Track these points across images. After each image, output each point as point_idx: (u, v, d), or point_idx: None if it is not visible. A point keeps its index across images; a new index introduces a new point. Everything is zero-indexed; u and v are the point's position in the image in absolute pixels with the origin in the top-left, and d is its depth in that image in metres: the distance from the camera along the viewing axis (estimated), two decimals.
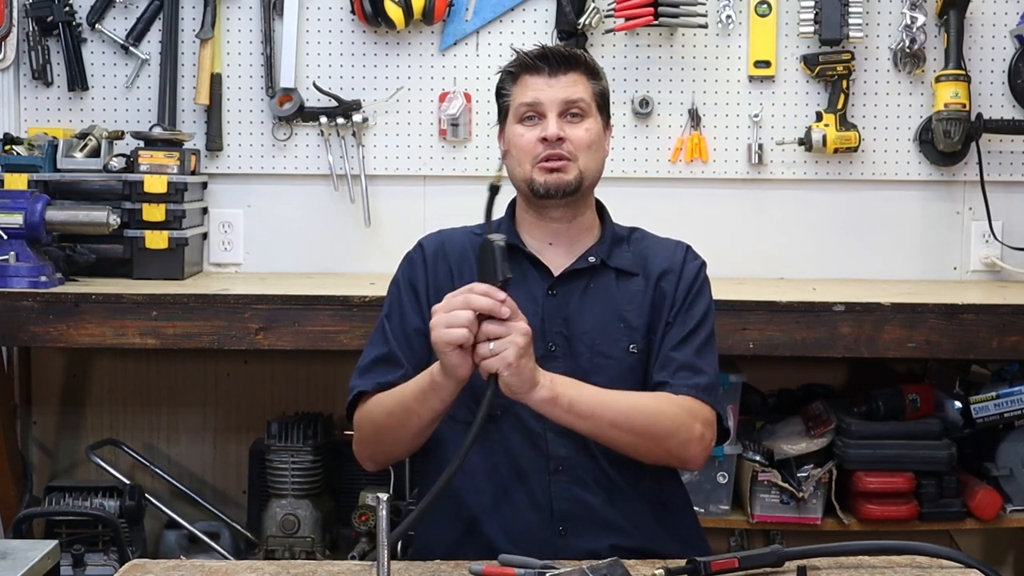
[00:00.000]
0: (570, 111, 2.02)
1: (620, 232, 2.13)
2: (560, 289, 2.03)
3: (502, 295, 1.76)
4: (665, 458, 1.98)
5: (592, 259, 2.05)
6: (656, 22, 3.22)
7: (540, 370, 1.83)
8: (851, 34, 3.27)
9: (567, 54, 2.06)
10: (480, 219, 2.17)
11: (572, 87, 2.03)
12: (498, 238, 1.78)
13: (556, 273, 2.04)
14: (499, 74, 2.10)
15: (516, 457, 1.98)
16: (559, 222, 2.06)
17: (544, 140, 2.00)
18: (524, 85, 2.04)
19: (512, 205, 2.13)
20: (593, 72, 2.07)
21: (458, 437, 1.94)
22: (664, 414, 1.94)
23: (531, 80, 2.04)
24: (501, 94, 2.09)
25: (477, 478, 1.96)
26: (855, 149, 3.31)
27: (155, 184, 3.04)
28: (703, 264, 2.11)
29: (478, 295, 1.76)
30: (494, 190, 1.83)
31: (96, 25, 3.30)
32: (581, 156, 2.01)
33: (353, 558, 3.05)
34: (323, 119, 3.31)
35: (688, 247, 2.12)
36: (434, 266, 2.08)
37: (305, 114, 3.32)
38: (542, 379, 1.82)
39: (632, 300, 2.04)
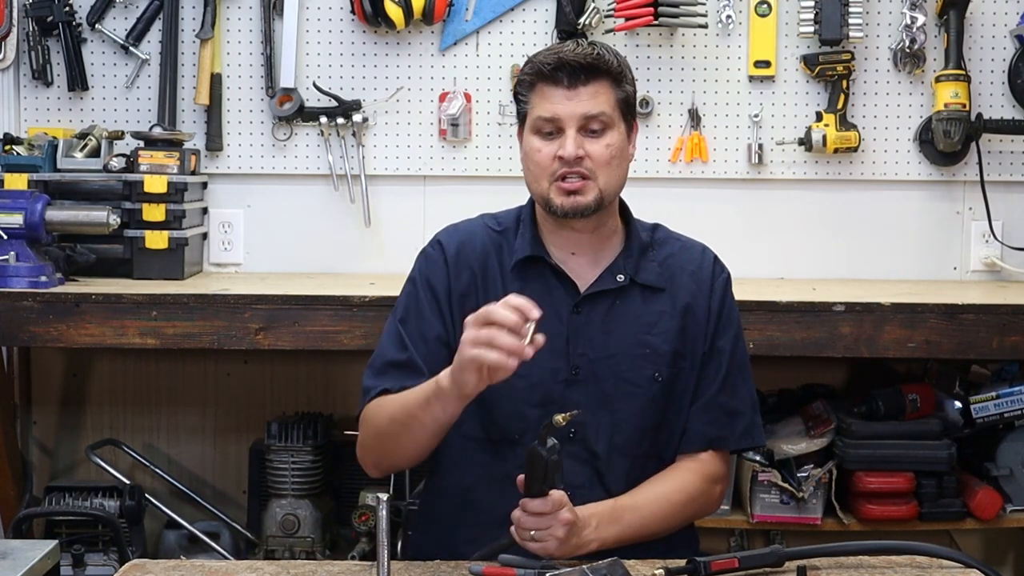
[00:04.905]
0: (590, 126, 1.92)
1: (644, 236, 2.05)
2: (585, 308, 1.97)
3: (536, 313, 1.67)
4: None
5: (620, 278, 1.98)
6: (656, 22, 3.22)
7: (585, 527, 1.80)
8: (851, 34, 3.27)
9: (587, 63, 1.91)
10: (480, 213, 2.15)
11: (593, 100, 1.91)
12: (553, 452, 1.70)
13: (582, 287, 1.98)
14: (515, 79, 2.03)
15: None
16: (581, 233, 1.99)
17: (561, 158, 1.91)
18: (542, 95, 1.93)
19: (532, 205, 2.05)
20: (617, 77, 1.94)
21: (468, 450, 1.95)
22: (693, 501, 1.98)
23: (549, 91, 1.92)
24: (518, 97, 1.99)
25: (488, 498, 1.94)
26: (855, 149, 3.30)
27: (155, 184, 3.04)
28: (729, 277, 2.08)
29: (506, 332, 1.66)
30: (548, 430, 1.69)
31: (96, 25, 3.30)
32: (601, 175, 1.92)
33: (353, 558, 3.05)
34: (323, 119, 3.30)
35: (715, 258, 2.08)
36: (456, 269, 1.99)
37: (305, 114, 3.32)
38: (588, 537, 1.81)
39: (659, 323, 1.99)
